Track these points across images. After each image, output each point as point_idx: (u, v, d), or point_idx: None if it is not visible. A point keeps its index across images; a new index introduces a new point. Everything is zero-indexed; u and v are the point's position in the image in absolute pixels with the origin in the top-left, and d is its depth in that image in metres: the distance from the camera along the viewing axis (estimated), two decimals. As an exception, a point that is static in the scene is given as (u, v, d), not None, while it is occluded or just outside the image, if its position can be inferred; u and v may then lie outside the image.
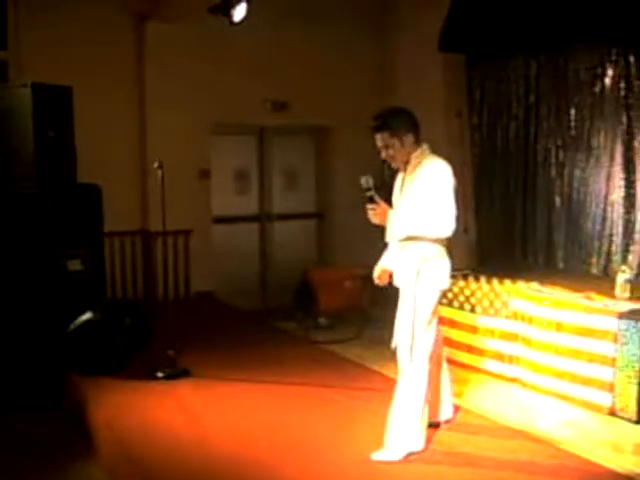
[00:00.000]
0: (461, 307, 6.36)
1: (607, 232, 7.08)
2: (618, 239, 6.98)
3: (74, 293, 6.40)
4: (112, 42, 8.06)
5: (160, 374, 5.80)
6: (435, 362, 4.48)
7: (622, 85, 6.90)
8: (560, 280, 6.27)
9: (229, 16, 6.73)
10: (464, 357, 6.26)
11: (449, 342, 6.16)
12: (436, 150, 4.38)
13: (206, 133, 8.69)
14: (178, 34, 8.14)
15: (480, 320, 6.18)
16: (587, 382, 5.25)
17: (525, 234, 8.07)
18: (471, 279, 6.38)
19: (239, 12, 6.73)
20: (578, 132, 7.40)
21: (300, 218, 9.93)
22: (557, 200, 7.65)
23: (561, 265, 7.61)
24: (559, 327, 5.46)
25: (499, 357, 6.02)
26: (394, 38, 9.39)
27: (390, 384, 4.44)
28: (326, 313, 7.91)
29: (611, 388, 5.09)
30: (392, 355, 4.40)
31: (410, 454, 4.25)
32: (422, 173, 4.25)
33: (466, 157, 8.66)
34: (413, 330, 4.23)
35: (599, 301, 5.49)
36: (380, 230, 4.36)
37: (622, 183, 6.93)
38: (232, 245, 9.24)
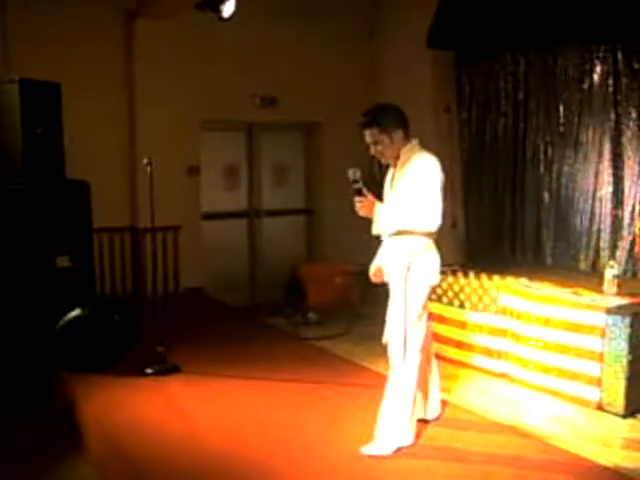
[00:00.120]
0: (450, 303, 6.37)
1: (595, 228, 7.11)
2: (606, 235, 7.01)
3: (63, 290, 6.39)
4: (101, 39, 8.02)
5: (149, 370, 5.80)
6: (424, 358, 4.50)
7: (610, 82, 6.92)
8: (548, 276, 6.30)
9: (218, 12, 6.72)
10: (453, 352, 6.28)
11: (438, 338, 6.18)
12: (425, 146, 4.40)
13: (195, 129, 8.67)
14: (167, 31, 8.11)
15: (469, 316, 6.20)
16: (575, 377, 5.27)
17: (514, 229, 8.09)
18: (460, 275, 6.39)
19: (228, 8, 6.71)
20: (567, 128, 7.41)
21: (289, 214, 9.93)
22: (545, 196, 7.66)
23: (549, 261, 7.63)
24: (547, 322, 5.49)
25: (488, 352, 6.04)
26: (383, 34, 9.40)
27: (379, 380, 4.45)
28: (315, 309, 7.91)
29: (599, 383, 5.12)
30: (382, 351, 4.42)
31: (399, 449, 4.27)
32: (411, 168, 4.28)
33: (455, 153, 8.67)
34: (404, 325, 4.25)
35: (587, 296, 5.51)
36: (369, 226, 4.38)
37: (610, 179, 6.96)
38: (221, 241, 9.23)
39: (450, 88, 8.73)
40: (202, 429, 4.73)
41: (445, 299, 6.41)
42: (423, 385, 4.58)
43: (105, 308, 6.29)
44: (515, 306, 5.82)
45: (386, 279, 4.46)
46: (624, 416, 4.98)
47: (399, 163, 4.36)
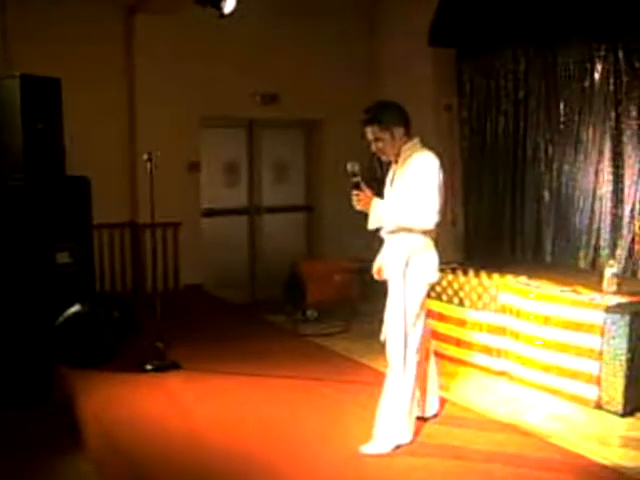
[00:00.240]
0: (449, 301, 6.37)
1: (595, 226, 7.11)
2: (606, 233, 7.01)
3: (63, 286, 6.40)
4: (101, 35, 8.03)
5: (149, 367, 5.80)
6: (423, 356, 4.50)
7: (611, 80, 6.91)
8: (548, 274, 6.30)
9: (219, 8, 6.70)
10: (452, 350, 6.28)
11: (437, 335, 6.18)
12: (425, 144, 4.40)
13: (196, 125, 8.67)
14: (167, 27, 8.11)
15: (468, 314, 6.20)
16: (574, 375, 5.27)
17: (513, 228, 8.09)
18: (459, 273, 6.39)
19: (229, 4, 6.69)
20: (567, 127, 7.41)
21: (289, 211, 9.93)
22: (546, 194, 7.66)
23: (549, 259, 7.63)
24: (547, 321, 5.49)
25: (487, 350, 6.04)
26: (384, 32, 9.39)
27: (378, 377, 4.45)
28: (315, 306, 7.91)
29: (598, 381, 5.12)
30: (380, 348, 4.42)
31: (398, 447, 4.28)
32: (410, 166, 4.29)
33: (455, 151, 8.67)
34: (403, 323, 4.26)
35: (587, 295, 5.51)
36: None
37: (610, 177, 6.96)
38: (221, 238, 9.24)
39: (451, 86, 8.73)
40: (201, 426, 4.74)
41: (445, 297, 6.41)
42: (421, 383, 4.58)
43: (105, 304, 6.29)
44: (514, 304, 5.82)
45: (384, 277, 4.46)
46: (623, 415, 4.98)
47: (400, 160, 4.37)
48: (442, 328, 6.35)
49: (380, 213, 4.27)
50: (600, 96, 7.04)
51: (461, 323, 6.26)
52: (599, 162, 7.07)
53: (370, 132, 4.35)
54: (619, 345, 4.97)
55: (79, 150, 7.09)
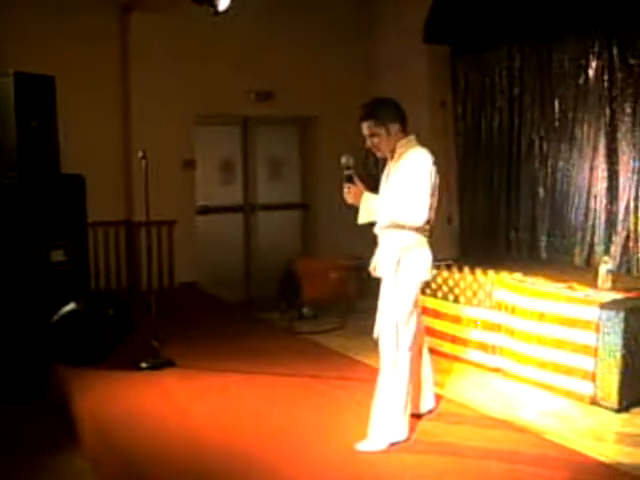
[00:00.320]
0: (445, 297, 6.37)
1: (590, 223, 7.12)
2: (601, 230, 7.02)
3: (57, 284, 6.39)
4: (96, 32, 8.02)
5: (144, 365, 5.80)
6: (416, 352, 4.51)
7: (605, 77, 6.92)
8: (543, 270, 6.30)
9: (213, 6, 6.69)
10: (448, 347, 6.28)
11: (433, 332, 6.19)
12: (420, 141, 4.41)
13: (190, 123, 8.66)
14: (163, 24, 8.10)
15: (464, 310, 6.20)
16: (569, 372, 5.28)
17: (508, 224, 8.10)
18: (455, 269, 6.39)
19: (223, 1, 6.68)
20: (562, 123, 7.42)
21: (285, 209, 9.93)
22: (540, 191, 7.67)
23: (544, 255, 7.64)
24: (542, 317, 5.49)
25: (482, 347, 6.04)
26: (379, 29, 9.38)
27: (374, 374, 4.45)
28: (310, 303, 7.90)
29: (593, 377, 5.12)
30: (376, 345, 4.42)
31: (393, 444, 4.28)
32: (404, 162, 4.30)
33: (450, 147, 8.68)
34: (394, 320, 4.26)
35: (581, 291, 5.52)
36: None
37: (605, 174, 6.97)
38: (216, 236, 9.23)
39: (445, 83, 8.74)
40: (198, 423, 4.74)
41: (440, 294, 6.41)
42: (416, 379, 4.59)
43: (100, 302, 6.29)
44: (510, 301, 5.82)
45: (378, 274, 4.47)
46: (618, 410, 4.99)
47: (395, 157, 4.38)
48: (437, 325, 6.36)
49: (371, 208, 4.29)
50: (595, 93, 7.05)
51: (456, 320, 6.27)
52: (594, 159, 7.08)
53: (366, 127, 4.37)
54: (614, 341, 4.98)
55: (74, 148, 7.08)
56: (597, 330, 5.08)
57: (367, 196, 4.32)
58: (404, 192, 4.21)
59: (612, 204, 6.93)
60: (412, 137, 4.39)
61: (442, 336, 6.33)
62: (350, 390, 5.28)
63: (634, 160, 6.70)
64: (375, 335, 4.40)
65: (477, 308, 6.10)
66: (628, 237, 6.77)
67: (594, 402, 5.12)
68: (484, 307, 6.05)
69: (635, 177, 6.69)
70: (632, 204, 6.72)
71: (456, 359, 6.21)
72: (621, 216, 6.82)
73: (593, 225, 7.09)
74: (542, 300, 5.53)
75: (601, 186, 7.01)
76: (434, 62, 8.72)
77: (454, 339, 6.26)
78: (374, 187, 4.46)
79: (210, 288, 8.76)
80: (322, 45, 9.16)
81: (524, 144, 7.86)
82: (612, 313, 5.01)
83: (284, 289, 8.10)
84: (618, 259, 6.75)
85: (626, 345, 4.96)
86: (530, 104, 7.78)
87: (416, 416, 4.64)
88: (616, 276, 5.81)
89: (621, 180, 6.83)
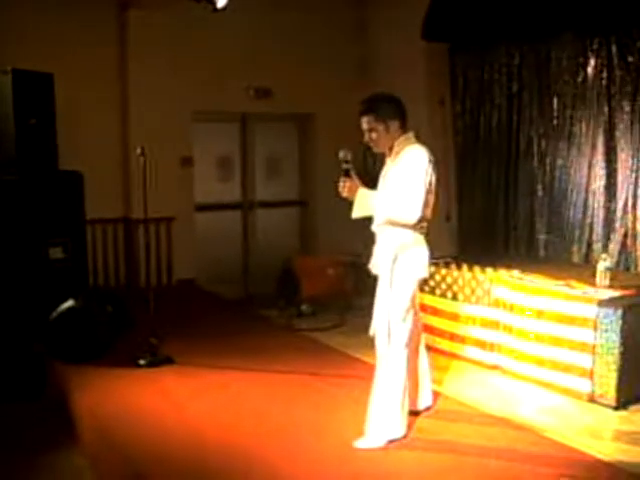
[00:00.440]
0: (443, 295, 6.38)
1: (588, 221, 7.13)
2: (599, 227, 7.03)
3: (56, 281, 6.39)
4: (94, 30, 8.02)
5: (142, 362, 5.80)
6: (413, 350, 4.52)
7: (604, 75, 6.93)
8: (541, 268, 6.31)
9: (212, 3, 6.69)
10: (445, 344, 6.29)
11: (431, 330, 6.20)
12: (419, 138, 4.41)
13: (189, 120, 8.66)
14: (160, 22, 8.10)
15: (462, 308, 6.21)
16: (567, 369, 5.29)
17: (507, 222, 8.11)
18: (453, 267, 6.40)
19: (222, -2, 6.69)
20: (560, 121, 7.43)
21: (283, 206, 9.93)
22: (539, 188, 7.68)
23: (542, 253, 7.65)
24: (540, 315, 5.50)
25: (480, 344, 6.05)
26: (377, 26, 9.37)
27: (372, 372, 4.45)
28: (309, 301, 7.91)
29: (591, 375, 5.14)
30: (373, 343, 4.42)
31: (391, 441, 4.28)
32: (401, 160, 4.30)
33: (449, 145, 8.68)
34: (390, 318, 4.27)
35: (580, 289, 5.53)
36: (366, 218, 4.41)
37: (603, 172, 6.98)
38: (215, 233, 9.23)
39: (444, 80, 8.73)
40: (196, 420, 4.74)
41: (438, 291, 6.42)
42: (413, 377, 4.59)
43: (98, 300, 6.28)
44: (508, 298, 5.83)
45: (375, 271, 4.47)
46: (616, 408, 5.00)
47: (392, 154, 4.38)
48: (435, 322, 6.37)
49: (365, 203, 4.30)
50: (593, 90, 7.05)
51: (454, 317, 6.28)
52: (592, 156, 7.09)
53: (365, 122, 4.37)
54: (612, 338, 4.99)
55: (72, 145, 7.08)
56: (595, 327, 5.09)
57: (362, 191, 4.33)
58: (399, 190, 4.22)
59: (610, 202, 6.94)
60: (410, 134, 4.39)
61: (440, 333, 6.34)
62: (348, 387, 5.28)
63: (632, 158, 6.70)
64: (371, 333, 4.40)
65: (475, 305, 6.11)
66: (626, 235, 6.78)
67: (592, 399, 5.13)
68: (482, 304, 6.05)
69: (633, 175, 6.70)
70: (630, 202, 6.73)
71: (454, 356, 6.23)
72: (619, 214, 6.83)
73: (591, 223, 7.10)
74: (540, 297, 5.54)
75: (599, 184, 7.02)
76: (432, 60, 8.72)
77: (452, 336, 6.27)
78: (373, 185, 4.46)
79: (208, 285, 8.77)
80: (320, 42, 9.16)
81: (523, 142, 7.86)
82: (610, 310, 5.02)
83: (282, 286, 8.10)
84: (616, 257, 6.76)
85: (624, 342, 4.97)
86: (529, 102, 7.78)
87: (414, 413, 4.65)
88: (614, 274, 5.81)
89: (619, 178, 6.84)
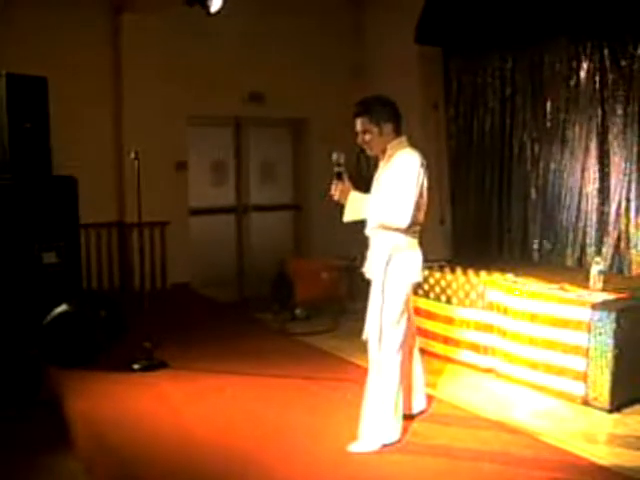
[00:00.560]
0: (437, 298, 6.38)
1: (581, 224, 7.16)
2: (592, 231, 7.06)
3: (50, 285, 6.38)
4: (88, 34, 8.02)
5: (137, 366, 5.80)
6: (407, 353, 4.51)
7: (597, 79, 6.97)
8: (535, 271, 6.33)
9: (205, 7, 6.70)
10: (440, 348, 6.30)
11: (425, 333, 6.21)
12: (412, 142, 4.42)
13: (183, 124, 8.66)
14: (154, 25, 8.10)
15: (456, 311, 6.22)
16: (561, 372, 5.30)
17: (501, 226, 8.13)
18: (447, 270, 6.40)
19: (215, 3, 6.69)
20: (553, 125, 7.46)
21: (277, 210, 9.94)
22: (532, 192, 7.71)
23: (536, 256, 7.67)
24: (534, 318, 5.51)
25: (474, 348, 6.06)
26: (371, 30, 9.40)
27: (366, 375, 4.46)
28: (303, 304, 7.91)
29: (584, 378, 5.14)
30: (367, 347, 4.42)
31: (385, 445, 4.29)
32: (393, 164, 4.31)
33: (442, 149, 8.70)
34: (381, 322, 4.27)
35: (573, 292, 5.54)
36: (359, 222, 4.42)
37: (596, 176, 7.01)
38: (209, 237, 9.24)
39: (437, 84, 8.75)
40: (191, 424, 4.74)
41: (432, 295, 6.42)
42: (406, 381, 4.59)
43: (92, 304, 6.28)
44: (502, 301, 5.84)
45: (369, 275, 4.48)
46: (609, 411, 5.01)
47: (386, 157, 4.39)
48: (430, 325, 6.37)
49: (357, 207, 4.31)
50: (586, 94, 7.09)
51: (448, 320, 6.28)
52: (585, 160, 7.11)
53: (359, 124, 4.38)
54: (606, 342, 5.00)
55: (66, 149, 7.07)
56: (589, 331, 5.10)
57: (354, 195, 4.33)
58: (390, 195, 4.22)
59: (604, 205, 6.97)
60: (403, 138, 4.39)
61: (434, 337, 6.34)
62: (342, 391, 5.28)
63: (625, 161, 6.73)
64: (364, 337, 4.40)
65: (469, 309, 6.11)
66: (619, 238, 6.80)
67: (586, 402, 5.14)
68: (476, 308, 6.06)
69: (626, 178, 6.73)
70: (623, 205, 6.75)
71: (448, 360, 6.23)
72: (612, 217, 6.85)
73: (585, 226, 7.12)
74: (534, 301, 5.55)
75: (593, 187, 7.05)
76: (426, 64, 8.74)
77: (446, 340, 6.27)
78: (366, 189, 4.47)
79: (203, 289, 8.77)
80: (314, 47, 9.18)
81: (516, 146, 7.89)
82: (604, 314, 5.03)
83: (277, 290, 8.10)
84: (609, 260, 6.79)
85: (617, 346, 4.98)
86: (522, 106, 7.82)
87: (408, 417, 4.64)
88: (608, 277, 5.83)
89: (612, 181, 6.87)
